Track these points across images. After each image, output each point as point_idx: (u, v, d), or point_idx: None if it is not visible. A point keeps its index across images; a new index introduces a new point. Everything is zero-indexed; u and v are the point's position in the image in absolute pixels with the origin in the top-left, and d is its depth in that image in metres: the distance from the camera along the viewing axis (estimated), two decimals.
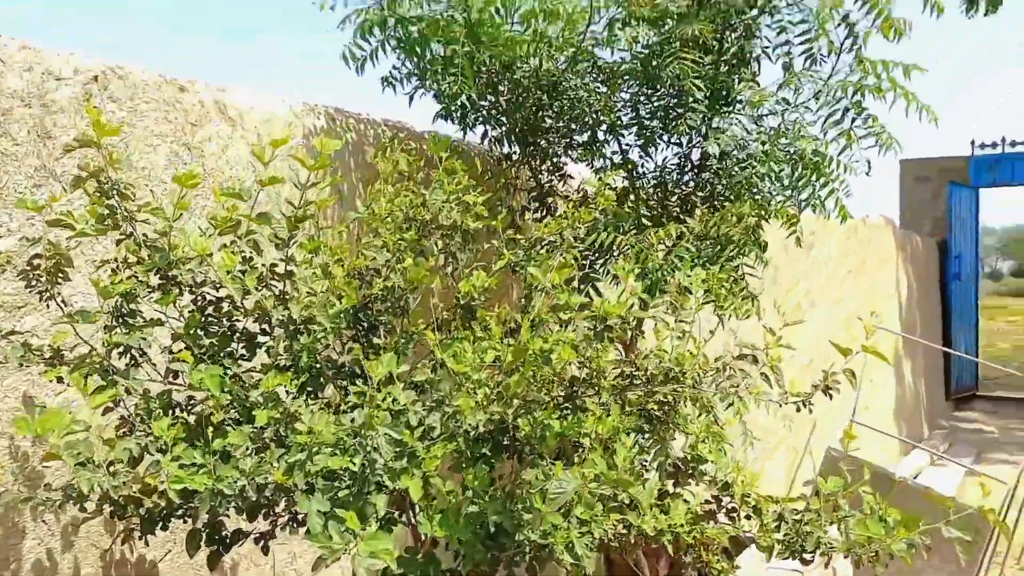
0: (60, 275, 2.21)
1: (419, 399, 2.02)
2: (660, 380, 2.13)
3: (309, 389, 2.20)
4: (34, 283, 2.19)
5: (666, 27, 3.16)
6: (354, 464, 1.84)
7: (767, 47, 3.43)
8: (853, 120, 3.00)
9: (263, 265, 2.32)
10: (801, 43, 3.25)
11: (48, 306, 2.26)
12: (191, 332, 2.20)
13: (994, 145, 12.72)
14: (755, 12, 3.24)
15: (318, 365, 2.13)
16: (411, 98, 3.53)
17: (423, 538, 2.25)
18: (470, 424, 1.93)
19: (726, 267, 3.14)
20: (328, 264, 2.16)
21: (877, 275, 9.35)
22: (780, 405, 2.24)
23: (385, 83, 3.53)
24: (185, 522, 2.24)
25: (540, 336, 1.97)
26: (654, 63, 3.13)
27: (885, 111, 2.96)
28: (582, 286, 3.29)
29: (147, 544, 2.27)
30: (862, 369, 7.17)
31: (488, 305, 2.33)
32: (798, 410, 2.25)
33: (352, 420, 1.88)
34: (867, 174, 3.07)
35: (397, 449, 1.91)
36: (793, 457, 7.07)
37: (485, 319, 2.14)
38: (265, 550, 2.36)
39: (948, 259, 12.33)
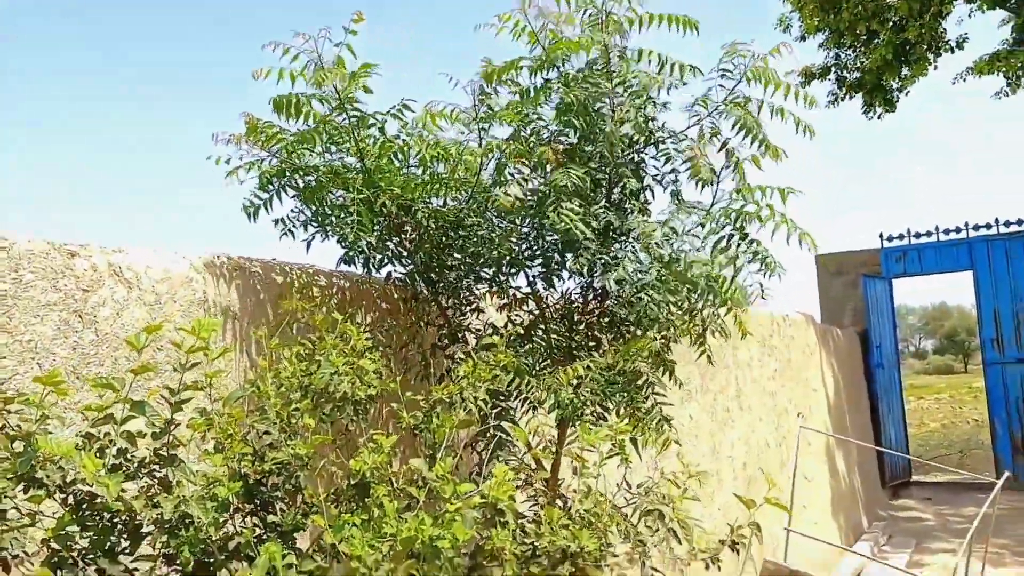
0: None
1: None
2: (558, 558, 2.11)
3: None
4: None
5: (545, 176, 3.30)
6: None
7: (657, 175, 3.58)
8: (738, 246, 3.11)
9: (134, 457, 2.24)
10: (687, 170, 3.39)
11: None
12: (64, 532, 2.09)
13: (901, 237, 13.31)
14: (640, 144, 3.38)
15: (205, 555, 2.04)
16: (308, 244, 3.56)
17: None
18: None
19: (635, 399, 3.18)
20: (220, 439, 2.11)
21: (803, 370, 9.55)
22: (687, 563, 2.23)
23: (282, 229, 3.55)
24: None
25: (432, 514, 1.94)
26: (544, 207, 3.23)
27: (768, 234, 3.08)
28: (494, 424, 3.28)
29: None
30: (794, 468, 7.23)
31: (395, 471, 2.29)
32: (707, 567, 2.24)
33: None
34: (763, 298, 3.17)
35: None
36: (735, 565, 7.01)
37: (379, 496, 2.10)
38: None
39: (870, 349, 12.68)
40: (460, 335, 3.78)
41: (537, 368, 3.41)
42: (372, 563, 1.89)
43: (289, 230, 3.56)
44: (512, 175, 3.44)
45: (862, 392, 12.30)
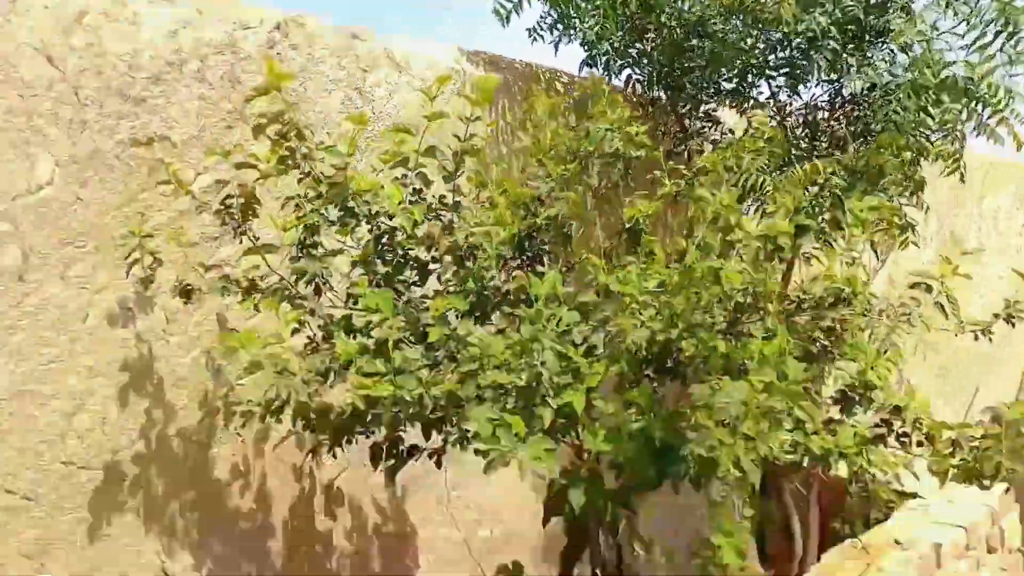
0: (250, 212, 2.42)
1: (583, 320, 2.11)
2: (829, 303, 2.14)
3: (476, 314, 2.33)
4: (227, 221, 2.40)
5: None
6: (521, 379, 1.95)
7: None
8: (1003, 44, 2.86)
9: (432, 196, 2.46)
10: None
11: (240, 240, 2.47)
12: (368, 260, 2.37)
13: None
14: None
15: (485, 291, 2.26)
16: (556, 46, 3.60)
17: (586, 456, 2.36)
18: (632, 342, 2.00)
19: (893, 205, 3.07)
20: (493, 195, 2.28)
21: None
22: (955, 335, 2.20)
23: (531, 33, 3.62)
24: (367, 438, 2.41)
25: (706, 260, 2.01)
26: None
27: None
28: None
29: (335, 457, 2.46)
30: None
31: (654, 234, 2.39)
32: (976, 339, 2.21)
33: (520, 335, 1.98)
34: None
35: (562, 364, 2.01)
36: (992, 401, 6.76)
37: (650, 245, 2.20)
38: (438, 464, 2.52)
39: None
40: (697, 145, 3.77)
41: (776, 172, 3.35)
42: (643, 300, 2.01)
43: (538, 34, 3.62)
44: None
45: None
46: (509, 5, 3.54)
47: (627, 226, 2.34)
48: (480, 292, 2.28)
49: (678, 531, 2.96)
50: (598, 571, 2.48)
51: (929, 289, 2.23)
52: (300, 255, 2.38)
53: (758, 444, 1.91)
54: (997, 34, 2.95)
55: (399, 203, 2.25)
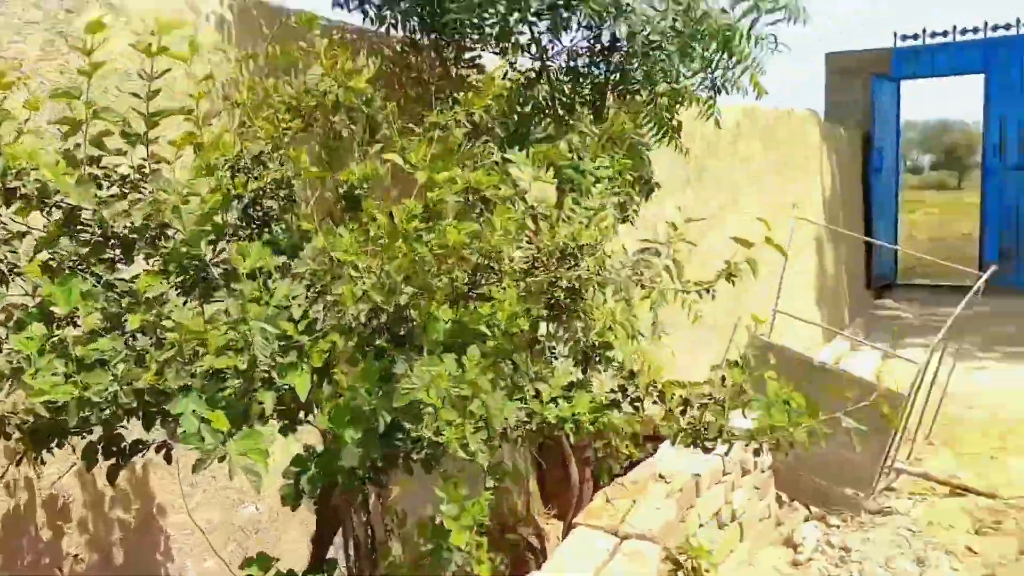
0: None
1: (300, 291, 1.94)
2: (557, 258, 2.08)
3: (200, 294, 2.09)
4: None
5: None
6: (241, 362, 1.77)
7: None
8: None
9: (122, 166, 2.17)
10: None
11: None
12: (54, 241, 2.05)
13: (915, 37, 12.80)
14: None
15: (199, 266, 2.02)
16: None
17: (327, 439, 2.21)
18: (351, 315, 1.86)
19: (635, 161, 3.08)
20: (206, 158, 2.03)
21: (803, 168, 9.45)
22: (677, 294, 2.22)
23: None
24: (83, 437, 2.14)
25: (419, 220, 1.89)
26: None
27: None
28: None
29: (43, 463, 2.18)
30: (786, 260, 7.30)
31: (387, 197, 2.24)
32: (700, 297, 2.25)
33: (227, 314, 1.79)
34: (776, 49, 3.00)
35: (281, 344, 1.84)
36: (724, 346, 7.24)
37: (371, 209, 2.05)
38: (168, 459, 2.29)
39: (871, 152, 12.52)
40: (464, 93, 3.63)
41: (536, 125, 3.29)
42: (363, 267, 1.87)
43: None
44: None
45: (858, 196, 12.27)
46: None
47: (342, 191, 2.16)
48: (195, 267, 2.04)
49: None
50: (351, 552, 2.36)
51: (657, 253, 2.24)
52: None
53: (491, 419, 1.84)
54: None
55: (72, 177, 1.94)
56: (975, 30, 12.45)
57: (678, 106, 3.23)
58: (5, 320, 1.99)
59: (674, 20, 2.88)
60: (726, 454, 2.20)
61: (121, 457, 2.18)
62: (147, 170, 2.12)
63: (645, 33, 3.00)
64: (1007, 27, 12.26)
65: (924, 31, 12.70)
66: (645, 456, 3.73)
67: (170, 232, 2.08)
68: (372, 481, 2.20)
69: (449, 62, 3.60)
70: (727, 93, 3.22)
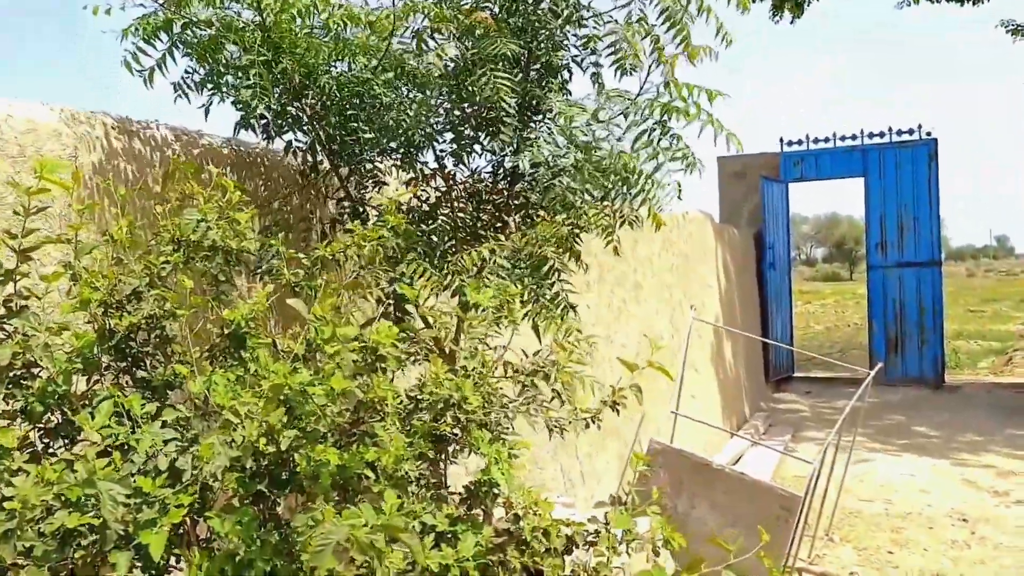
0: None
1: (171, 437, 1.84)
2: (440, 408, 2.06)
3: (64, 435, 1.97)
4: None
5: (472, 43, 3.10)
6: (96, 520, 1.66)
7: (576, 56, 3.43)
8: (659, 140, 3.03)
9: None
10: (609, 55, 3.26)
11: None
12: None
13: (800, 142, 13.63)
14: (560, 22, 3.22)
15: (68, 408, 1.90)
16: (207, 110, 3.28)
17: None
18: (222, 463, 1.77)
19: (542, 284, 3.12)
20: (82, 294, 1.93)
21: (699, 266, 9.76)
22: (561, 429, 2.22)
23: (177, 91, 3.26)
24: None
25: (311, 366, 1.84)
26: (466, 78, 3.06)
27: (691, 131, 3.01)
28: (389, 304, 3.17)
29: None
30: (683, 359, 7.45)
31: (275, 331, 2.17)
32: (586, 426, 2.25)
33: (75, 475, 1.68)
34: (679, 198, 3.12)
35: (137, 500, 1.73)
36: (624, 448, 7.27)
37: (256, 348, 1.98)
38: None
39: (763, 250, 13.07)
40: (362, 211, 3.62)
41: (441, 248, 3.30)
42: (243, 413, 1.79)
43: (184, 92, 3.27)
44: (428, 43, 3.24)
45: (754, 291, 12.74)
46: (149, 62, 3.17)
47: (225, 330, 2.09)
48: (60, 408, 1.92)
49: None
50: None
51: (546, 377, 2.24)
52: None
53: (375, 565, 1.76)
54: (653, 130, 3.11)
55: None
56: (853, 137, 13.35)
57: (579, 231, 3.30)
58: None
59: (577, 159, 2.96)
60: None
61: None
62: (14, 306, 2.01)
63: (548, 166, 3.07)
64: (881, 135, 13.21)
65: (808, 136, 13.55)
66: None
67: (35, 371, 1.97)
68: None
69: (348, 183, 3.60)
70: (629, 227, 3.31)
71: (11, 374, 1.89)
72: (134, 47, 3.10)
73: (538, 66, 3.31)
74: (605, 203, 3.23)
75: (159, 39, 3.13)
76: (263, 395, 1.83)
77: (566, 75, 3.43)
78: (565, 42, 3.31)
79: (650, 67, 3.04)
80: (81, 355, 1.93)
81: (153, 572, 1.90)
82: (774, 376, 13.17)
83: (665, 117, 3.00)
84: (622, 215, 3.22)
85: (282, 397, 1.85)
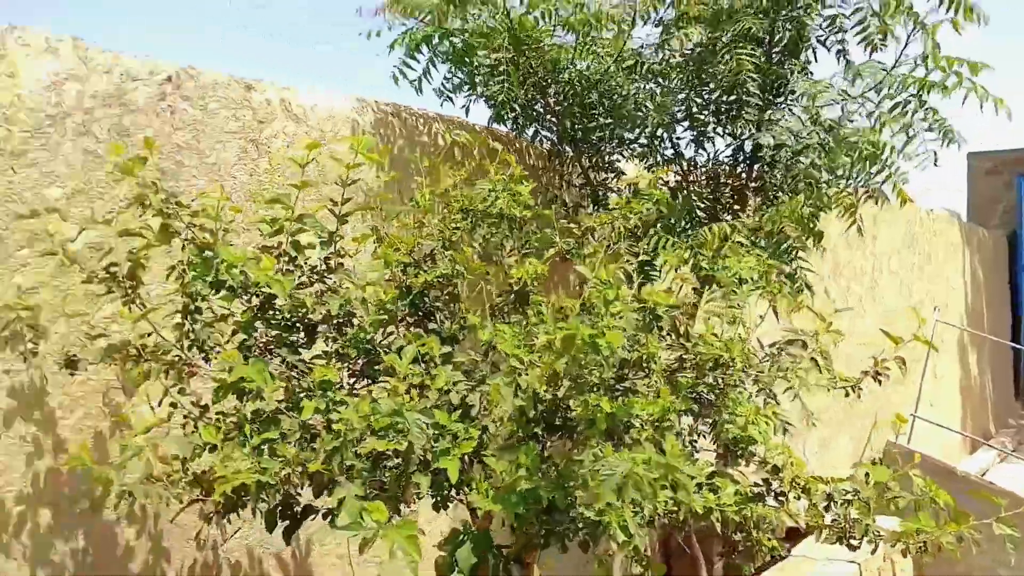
0: (136, 279, 2.35)
1: (464, 379, 2.11)
2: (709, 366, 2.18)
3: (369, 376, 2.31)
4: (113, 288, 2.33)
5: (718, 25, 3.21)
6: (400, 445, 1.94)
7: (820, 36, 3.44)
8: (914, 113, 2.99)
9: (305, 263, 2.44)
10: (857, 32, 3.24)
11: (129, 308, 2.39)
12: (248, 325, 2.33)
13: None
14: (805, 2, 3.24)
15: (374, 352, 2.24)
16: (467, 109, 3.70)
17: (478, 514, 2.35)
18: (503, 409, 2.00)
19: (782, 259, 3.17)
20: (383, 255, 2.27)
21: (943, 267, 9.16)
22: (828, 390, 2.27)
23: (440, 96, 3.67)
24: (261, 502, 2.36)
25: (589, 323, 2.04)
26: (707, 62, 3.18)
27: (949, 103, 2.95)
28: (636, 278, 3.35)
29: (229, 522, 2.40)
30: (924, 363, 7.04)
31: (545, 292, 2.41)
32: (847, 395, 2.28)
33: (386, 407, 1.97)
34: (935, 164, 3.06)
35: (436, 432, 2.00)
36: (856, 447, 7.01)
37: (538, 305, 2.22)
38: (333, 524, 2.47)
39: (1017, 253, 11.97)
40: (602, 195, 3.83)
41: (679, 229, 3.43)
42: (527, 361, 2.02)
43: (448, 96, 3.67)
44: (672, 32, 3.39)
45: (1005, 298, 11.71)
46: (414, 74, 3.57)
47: (514, 287, 2.35)
48: (369, 352, 2.26)
49: None
50: None
51: (804, 345, 2.30)
52: (184, 321, 2.33)
53: (645, 505, 1.94)
54: (907, 103, 3.08)
55: (272, 273, 2.21)
56: None
57: (820, 212, 3.30)
58: (196, 403, 2.26)
59: (821, 136, 2.99)
60: (872, 553, 2.19)
61: (295, 520, 2.38)
62: (332, 263, 2.38)
63: (791, 145, 3.12)
64: None
65: None
66: (782, 556, 3.67)
67: (353, 320, 2.31)
68: (518, 562, 2.31)
69: (590, 170, 3.82)
70: (875, 203, 3.27)
71: (335, 322, 2.26)
72: (400, 61, 3.51)
73: (780, 47, 3.36)
74: (847, 182, 3.21)
75: (420, 52, 3.53)
76: (545, 346, 2.06)
77: (808, 55, 3.45)
78: (809, 22, 3.33)
79: (908, 37, 2.99)
80: (383, 308, 2.26)
81: (444, 494, 2.19)
82: None
83: (921, 91, 2.95)
84: (867, 192, 3.19)
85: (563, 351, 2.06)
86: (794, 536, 3.87)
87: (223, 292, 2.23)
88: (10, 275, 2.34)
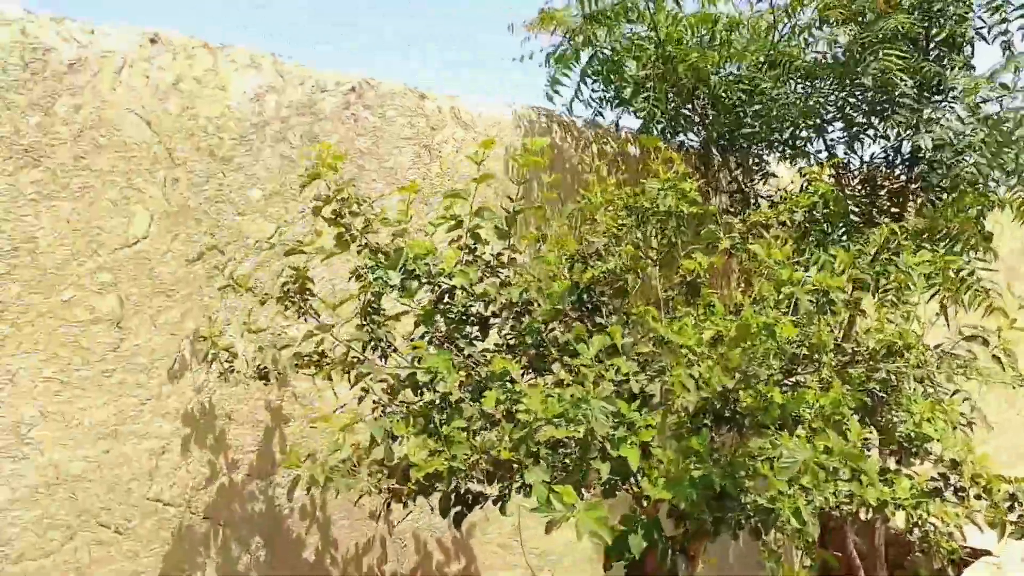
0: (306, 292, 2.54)
1: (640, 370, 2.19)
2: (882, 356, 2.18)
3: (536, 367, 2.42)
4: (288, 305, 2.52)
5: (865, 24, 3.18)
6: (578, 433, 2.03)
7: (981, 28, 3.34)
8: None
9: (485, 254, 2.57)
10: (1020, 16, 3.14)
11: (304, 320, 2.59)
12: (428, 318, 2.48)
13: None
14: None
15: (543, 344, 2.35)
16: (616, 124, 3.80)
17: (645, 503, 2.41)
18: (683, 402, 2.06)
19: (955, 258, 3.10)
20: (552, 250, 2.39)
21: None
22: (1013, 387, 2.23)
23: (588, 105, 3.80)
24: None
25: (762, 313, 2.08)
26: (855, 64, 3.16)
27: None
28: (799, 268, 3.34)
29: (405, 506, 2.56)
30: None
31: (712, 287, 2.46)
32: None
33: (572, 395, 2.06)
34: None
35: (615, 420, 2.08)
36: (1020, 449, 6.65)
37: (708, 297, 2.28)
38: (503, 511, 2.59)
39: None
40: (752, 200, 3.84)
41: (834, 235, 3.40)
42: (700, 352, 2.08)
43: (598, 111, 3.79)
44: (815, 34, 3.39)
45: None
46: (568, 93, 3.71)
47: (686, 279, 2.42)
48: (539, 344, 2.37)
49: None
50: None
51: (986, 342, 2.26)
52: (364, 322, 2.49)
53: (815, 495, 1.96)
54: None
55: (455, 263, 2.36)
56: None
57: (987, 211, 3.22)
58: (387, 390, 2.42)
59: (984, 133, 2.92)
60: None
61: (466, 506, 2.51)
62: (505, 258, 2.51)
63: (953, 144, 3.06)
64: None
65: None
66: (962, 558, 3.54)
67: (529, 310, 2.43)
68: (683, 553, 2.37)
69: (740, 175, 3.85)
70: None
71: (514, 311, 2.39)
72: (551, 79, 3.65)
73: (936, 44, 3.30)
74: (1017, 179, 3.12)
75: (571, 68, 3.67)
76: (717, 337, 2.12)
77: (968, 50, 3.36)
78: (968, 14, 3.25)
79: None
80: (559, 299, 2.37)
81: (615, 481, 2.27)
82: None
83: None
84: None
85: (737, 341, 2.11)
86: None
87: (410, 284, 2.38)
88: (201, 310, 2.58)
